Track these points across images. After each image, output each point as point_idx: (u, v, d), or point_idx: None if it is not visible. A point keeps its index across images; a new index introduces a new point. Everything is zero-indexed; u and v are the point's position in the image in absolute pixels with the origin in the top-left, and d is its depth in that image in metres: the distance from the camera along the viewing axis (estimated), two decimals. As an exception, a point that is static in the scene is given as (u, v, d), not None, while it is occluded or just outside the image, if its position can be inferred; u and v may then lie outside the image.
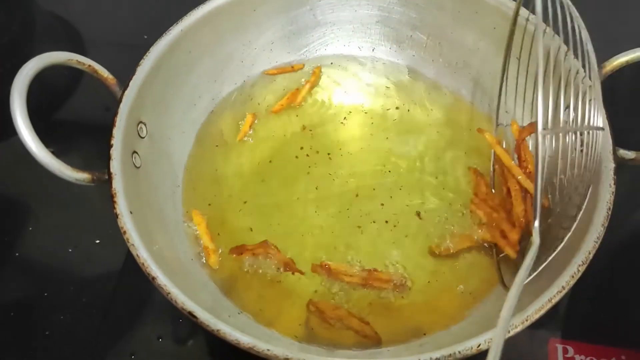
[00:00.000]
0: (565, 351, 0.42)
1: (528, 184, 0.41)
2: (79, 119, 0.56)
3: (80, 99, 0.57)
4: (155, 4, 0.65)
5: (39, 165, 0.52)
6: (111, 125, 0.39)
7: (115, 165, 0.36)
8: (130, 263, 0.45)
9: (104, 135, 0.54)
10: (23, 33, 0.65)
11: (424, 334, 0.38)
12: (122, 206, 0.35)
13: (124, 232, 0.34)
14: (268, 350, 0.30)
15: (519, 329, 0.31)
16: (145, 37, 0.62)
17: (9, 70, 0.60)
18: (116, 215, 0.35)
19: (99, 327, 0.43)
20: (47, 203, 0.50)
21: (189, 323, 0.43)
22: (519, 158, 0.43)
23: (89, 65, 0.39)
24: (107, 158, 0.37)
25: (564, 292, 0.32)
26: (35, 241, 0.48)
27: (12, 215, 0.49)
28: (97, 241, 0.47)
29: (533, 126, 0.38)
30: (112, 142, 0.37)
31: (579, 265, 0.33)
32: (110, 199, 0.49)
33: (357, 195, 0.44)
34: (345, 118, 0.49)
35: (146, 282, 0.45)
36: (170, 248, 0.39)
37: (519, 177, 0.41)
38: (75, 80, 0.58)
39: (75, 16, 0.65)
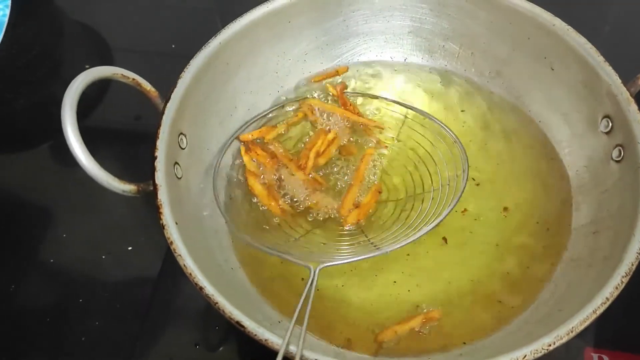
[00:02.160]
0: (601, 360, 0.42)
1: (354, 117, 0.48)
2: (109, 128, 0.57)
3: (109, 109, 0.58)
4: (182, 14, 0.66)
5: (69, 174, 0.54)
6: (154, 137, 0.39)
7: (159, 177, 0.37)
8: (166, 271, 0.47)
9: (136, 144, 0.55)
10: (53, 43, 0.66)
11: (464, 343, 0.38)
12: (167, 217, 0.36)
13: (171, 242, 0.35)
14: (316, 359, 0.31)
15: (564, 340, 0.31)
16: (173, 46, 0.63)
17: (40, 79, 0.62)
18: (162, 226, 0.35)
19: (135, 332, 0.44)
20: (79, 211, 0.51)
21: (223, 330, 0.44)
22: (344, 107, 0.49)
23: (133, 79, 0.40)
24: (152, 170, 0.37)
25: (608, 303, 0.32)
26: (69, 248, 0.49)
27: (45, 223, 0.50)
28: (130, 248, 0.48)
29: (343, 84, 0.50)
30: (156, 153, 0.38)
31: (622, 277, 0.33)
32: (140, 207, 0.50)
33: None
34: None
35: (181, 290, 0.46)
36: (210, 257, 0.40)
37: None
38: (102, 90, 0.59)
39: (103, 26, 0.66)
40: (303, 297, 0.34)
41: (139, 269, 0.47)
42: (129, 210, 0.50)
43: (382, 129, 0.49)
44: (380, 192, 0.45)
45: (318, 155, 0.46)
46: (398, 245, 0.39)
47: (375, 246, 0.41)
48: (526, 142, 0.47)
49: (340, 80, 0.51)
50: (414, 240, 0.39)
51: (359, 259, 0.40)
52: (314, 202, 0.44)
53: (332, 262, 0.39)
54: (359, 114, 0.49)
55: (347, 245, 0.42)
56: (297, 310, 0.33)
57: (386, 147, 0.48)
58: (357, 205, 0.44)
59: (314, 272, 0.37)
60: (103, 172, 0.36)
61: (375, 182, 0.46)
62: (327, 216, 0.44)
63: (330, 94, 0.50)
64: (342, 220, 0.43)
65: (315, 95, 0.51)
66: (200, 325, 0.44)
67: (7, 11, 0.57)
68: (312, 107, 0.49)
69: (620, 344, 0.42)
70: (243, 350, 0.43)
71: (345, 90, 0.50)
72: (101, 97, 0.59)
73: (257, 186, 0.45)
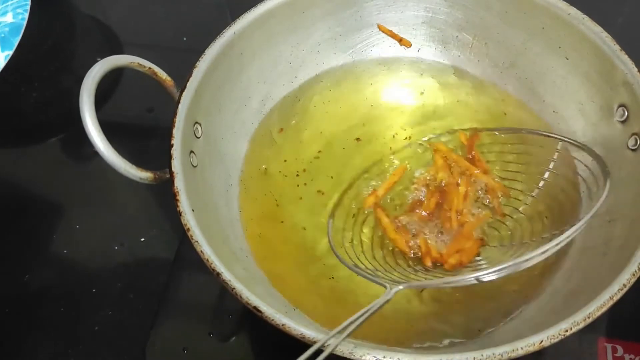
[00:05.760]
0: (614, 350, 0.42)
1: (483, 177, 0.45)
2: (122, 121, 0.57)
3: (121, 102, 0.59)
4: (192, 7, 0.66)
5: (81, 167, 0.55)
6: (168, 128, 0.39)
7: (176, 165, 0.37)
8: (179, 261, 0.47)
9: (149, 137, 0.56)
10: (64, 36, 0.66)
11: (479, 330, 0.38)
12: (184, 204, 0.36)
13: (188, 229, 0.35)
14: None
15: (581, 325, 0.31)
16: (184, 39, 0.63)
17: (52, 73, 0.63)
18: (179, 213, 0.36)
19: (149, 322, 0.44)
20: (92, 203, 0.51)
21: (235, 320, 0.44)
22: (473, 161, 0.46)
23: (149, 68, 0.40)
24: (169, 157, 0.38)
25: (625, 289, 0.32)
26: (82, 239, 0.49)
27: (58, 214, 0.51)
28: (142, 239, 0.48)
29: (476, 130, 0.46)
30: (173, 142, 0.38)
31: (639, 264, 0.33)
32: (152, 199, 0.50)
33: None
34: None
35: (194, 280, 0.47)
36: (226, 245, 0.40)
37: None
38: (114, 83, 0.60)
39: (114, 20, 0.67)
40: (366, 312, 0.32)
41: (152, 260, 0.48)
42: (141, 202, 0.51)
43: (509, 196, 0.45)
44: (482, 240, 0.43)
45: (459, 214, 0.44)
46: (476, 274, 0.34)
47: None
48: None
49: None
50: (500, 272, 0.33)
51: (437, 284, 0.38)
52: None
53: (410, 284, 0.36)
54: (486, 171, 0.45)
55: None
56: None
57: (504, 216, 0.44)
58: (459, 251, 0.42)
59: (390, 291, 0.34)
60: (121, 160, 0.37)
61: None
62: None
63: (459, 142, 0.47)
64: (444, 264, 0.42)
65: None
66: (213, 315, 0.45)
67: (26, 15, 0.58)
68: (445, 155, 0.46)
69: (634, 334, 0.42)
70: (255, 340, 0.43)
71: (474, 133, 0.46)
72: (113, 90, 0.59)
73: (384, 218, 0.44)
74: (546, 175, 0.45)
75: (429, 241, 0.42)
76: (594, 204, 0.36)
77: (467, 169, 0.45)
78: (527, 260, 0.33)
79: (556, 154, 0.44)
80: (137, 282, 0.47)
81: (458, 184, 0.45)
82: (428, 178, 0.46)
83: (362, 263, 0.41)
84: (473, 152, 0.46)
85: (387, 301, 0.33)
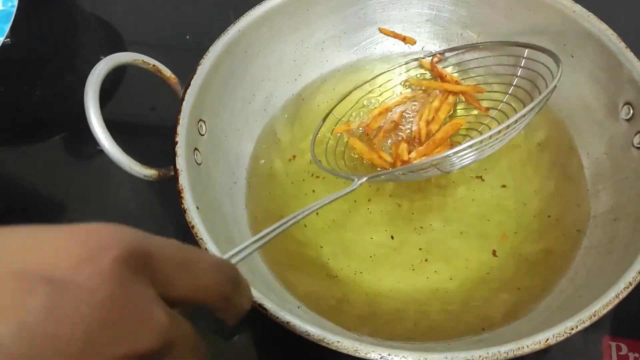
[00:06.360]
0: (619, 349, 0.41)
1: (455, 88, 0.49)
2: (125, 120, 0.57)
3: (124, 99, 0.58)
4: (195, 5, 0.66)
5: (83, 166, 0.54)
6: (171, 126, 0.39)
7: (180, 162, 0.37)
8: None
9: (152, 135, 0.56)
10: (67, 35, 0.66)
11: (483, 329, 0.38)
12: (189, 201, 0.36)
13: (192, 226, 0.35)
14: (338, 342, 0.31)
15: (587, 323, 0.31)
16: (188, 37, 0.63)
17: (54, 72, 0.62)
18: (184, 211, 0.36)
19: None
20: (92, 202, 0.51)
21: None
22: (443, 79, 0.50)
23: (154, 65, 0.40)
24: (173, 155, 0.38)
25: (630, 288, 0.32)
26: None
27: (59, 213, 0.50)
28: (144, 238, 0.48)
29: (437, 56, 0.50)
30: (177, 139, 0.38)
31: (646, 261, 0.33)
32: (153, 199, 0.50)
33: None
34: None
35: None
36: (230, 243, 0.40)
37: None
38: (117, 81, 0.60)
39: (117, 18, 0.66)
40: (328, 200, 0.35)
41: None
42: (143, 201, 0.51)
43: (483, 91, 0.48)
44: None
45: (428, 123, 0.47)
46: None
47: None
48: (545, 130, 0.47)
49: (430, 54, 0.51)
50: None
51: (407, 175, 0.41)
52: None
53: (376, 174, 0.40)
54: (457, 82, 0.49)
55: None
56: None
57: (487, 110, 0.48)
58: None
59: (357, 181, 0.38)
60: (125, 157, 0.37)
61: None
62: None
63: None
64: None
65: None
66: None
67: (16, 2, 0.58)
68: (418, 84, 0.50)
69: (639, 332, 0.42)
70: (259, 337, 0.43)
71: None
72: (116, 89, 0.59)
73: (358, 143, 0.47)
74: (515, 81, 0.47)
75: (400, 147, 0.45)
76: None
77: (439, 87, 0.48)
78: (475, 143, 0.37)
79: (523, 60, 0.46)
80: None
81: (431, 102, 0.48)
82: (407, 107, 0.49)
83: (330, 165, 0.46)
84: (440, 72, 0.49)
85: (352, 190, 0.38)
